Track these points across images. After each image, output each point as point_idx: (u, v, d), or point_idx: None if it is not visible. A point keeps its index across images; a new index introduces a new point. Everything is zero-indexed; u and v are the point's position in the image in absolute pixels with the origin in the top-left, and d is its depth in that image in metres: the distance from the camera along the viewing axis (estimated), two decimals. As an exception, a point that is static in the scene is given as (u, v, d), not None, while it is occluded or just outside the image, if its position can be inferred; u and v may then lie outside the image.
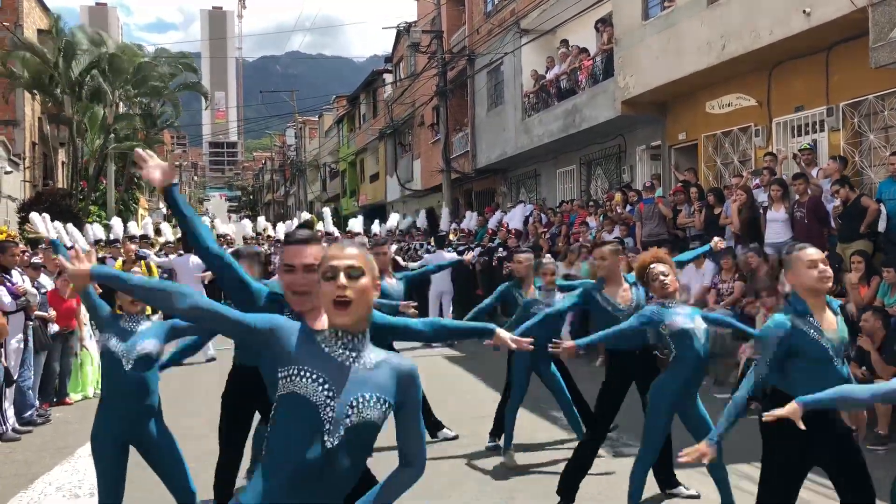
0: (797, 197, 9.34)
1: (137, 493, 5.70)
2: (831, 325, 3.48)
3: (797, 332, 3.42)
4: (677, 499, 5.29)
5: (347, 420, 2.17)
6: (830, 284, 3.51)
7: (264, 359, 2.30)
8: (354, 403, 2.18)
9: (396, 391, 2.27)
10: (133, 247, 11.89)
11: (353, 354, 2.24)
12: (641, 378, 5.19)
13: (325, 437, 2.16)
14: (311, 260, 2.70)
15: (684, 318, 4.70)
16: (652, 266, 4.82)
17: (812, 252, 3.54)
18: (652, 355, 5.47)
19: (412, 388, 2.31)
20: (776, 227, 9.58)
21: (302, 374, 2.17)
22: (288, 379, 2.18)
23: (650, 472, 4.98)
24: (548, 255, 7.63)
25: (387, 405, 2.24)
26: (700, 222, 10.95)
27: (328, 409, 2.16)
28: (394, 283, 6.76)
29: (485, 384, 9.34)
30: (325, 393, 2.17)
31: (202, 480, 5.91)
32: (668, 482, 5.37)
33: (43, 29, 28.30)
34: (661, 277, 4.75)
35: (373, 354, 2.28)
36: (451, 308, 13.34)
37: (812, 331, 3.42)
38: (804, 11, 9.59)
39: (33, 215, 16.58)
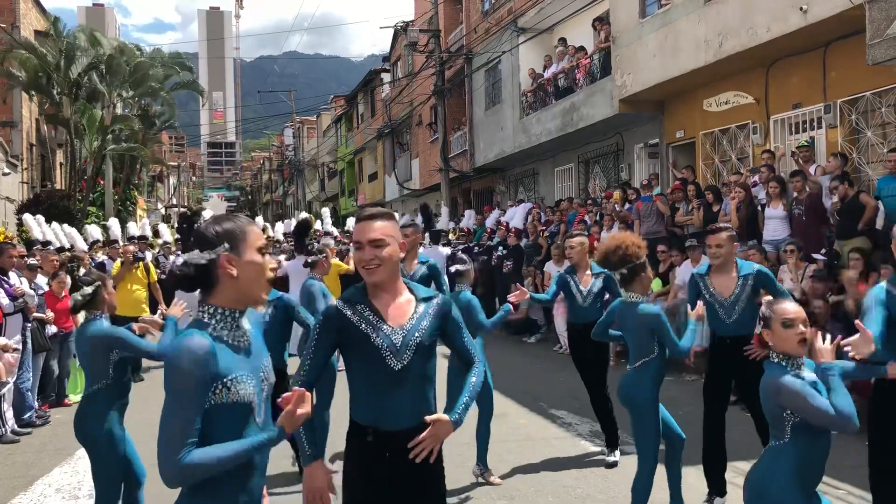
0: (795, 194, 9.35)
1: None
2: None
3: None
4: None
5: (264, 393, 2.34)
6: None
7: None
8: (264, 376, 2.34)
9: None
10: (132, 248, 11.87)
11: (241, 331, 2.31)
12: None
13: (257, 420, 2.29)
14: (378, 235, 2.73)
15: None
16: (644, 259, 4.64)
17: None
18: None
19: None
20: (774, 225, 9.58)
21: (237, 380, 2.22)
22: (223, 392, 2.20)
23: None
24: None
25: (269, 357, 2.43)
26: (699, 220, 10.95)
27: (257, 396, 2.28)
28: (414, 266, 6.37)
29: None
30: (253, 385, 2.27)
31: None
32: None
33: (40, 30, 28.28)
34: (651, 273, 4.70)
35: (244, 321, 2.35)
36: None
37: None
38: (801, 8, 9.59)
39: (27, 217, 16.58)
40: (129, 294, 10.32)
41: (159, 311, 10.50)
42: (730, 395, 5.07)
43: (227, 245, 2.25)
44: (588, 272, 6.34)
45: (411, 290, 2.85)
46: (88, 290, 4.39)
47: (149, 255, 15.66)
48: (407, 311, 2.78)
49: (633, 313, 4.60)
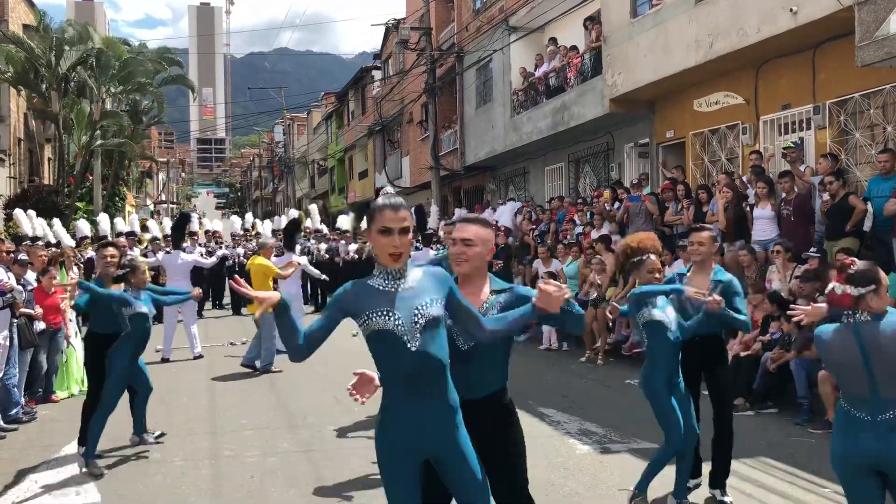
0: (784, 195, 9.39)
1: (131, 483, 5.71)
2: None
3: None
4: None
5: (418, 325, 2.87)
6: None
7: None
8: (418, 314, 2.88)
9: (438, 289, 2.97)
10: (122, 240, 11.76)
11: (398, 282, 2.94)
12: None
13: (409, 346, 2.84)
14: (470, 235, 3.24)
15: (659, 309, 4.76)
16: (651, 258, 4.82)
17: None
18: None
19: (449, 283, 3.02)
20: (763, 225, 9.63)
21: (373, 314, 2.87)
22: (365, 325, 2.90)
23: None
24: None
25: (438, 302, 2.94)
26: (689, 219, 10.99)
27: (403, 327, 2.86)
28: None
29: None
30: (395, 318, 2.87)
31: (192, 478, 5.91)
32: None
33: (28, 24, 28.09)
34: (657, 275, 4.85)
35: (411, 276, 2.97)
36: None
37: None
38: (791, 10, 9.64)
39: (17, 212, 16.46)
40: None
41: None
42: (698, 393, 5.16)
43: (365, 222, 3.02)
44: None
45: (491, 285, 3.36)
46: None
47: (137, 251, 15.57)
48: (478, 302, 3.26)
49: None
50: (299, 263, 11.73)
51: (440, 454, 2.95)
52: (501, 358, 3.30)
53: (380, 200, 2.97)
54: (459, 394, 3.05)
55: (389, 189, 3.10)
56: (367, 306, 2.87)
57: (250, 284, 9.36)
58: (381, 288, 2.90)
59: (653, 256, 4.81)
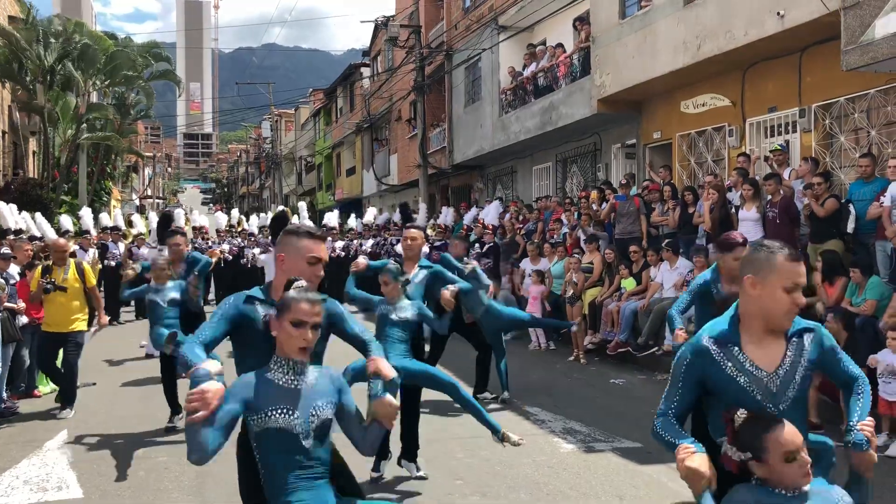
0: (769, 197, 9.45)
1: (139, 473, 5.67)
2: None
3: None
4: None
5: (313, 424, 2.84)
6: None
7: None
8: (314, 411, 2.85)
9: (333, 392, 2.93)
10: (62, 241, 9.95)
11: (300, 378, 2.87)
12: None
13: (304, 442, 2.83)
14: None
15: None
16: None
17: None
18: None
19: (340, 384, 2.99)
20: (748, 227, 9.65)
21: (273, 411, 2.89)
22: None
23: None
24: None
25: (332, 405, 2.90)
26: (674, 221, 11.04)
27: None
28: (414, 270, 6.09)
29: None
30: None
31: (175, 474, 5.88)
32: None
33: (13, 16, 27.83)
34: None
35: (310, 373, 2.91)
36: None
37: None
38: (778, 14, 9.70)
39: (-1, 205, 16.31)
40: (58, 306, 7.98)
41: (96, 323, 8.55)
42: None
43: (276, 310, 2.94)
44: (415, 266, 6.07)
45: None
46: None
47: (121, 247, 15.44)
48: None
49: None
50: (222, 252, 11.76)
51: None
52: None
53: (295, 293, 2.84)
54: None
55: (303, 283, 2.90)
56: (268, 402, 2.80)
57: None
58: (280, 383, 2.83)
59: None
